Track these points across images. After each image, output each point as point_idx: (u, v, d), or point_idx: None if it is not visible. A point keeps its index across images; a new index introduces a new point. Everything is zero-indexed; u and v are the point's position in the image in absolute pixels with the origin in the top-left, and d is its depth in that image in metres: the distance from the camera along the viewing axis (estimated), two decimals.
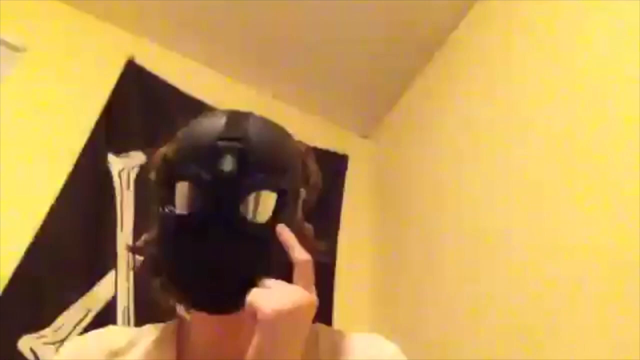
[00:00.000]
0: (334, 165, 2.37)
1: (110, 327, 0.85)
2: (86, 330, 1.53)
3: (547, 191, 1.51)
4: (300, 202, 0.77)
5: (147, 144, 1.85)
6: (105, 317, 1.63)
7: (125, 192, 1.84)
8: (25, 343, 1.53)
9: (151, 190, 0.79)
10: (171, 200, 0.73)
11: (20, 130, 1.87)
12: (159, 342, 0.80)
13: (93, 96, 1.99)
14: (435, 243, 1.99)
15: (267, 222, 0.72)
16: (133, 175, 1.87)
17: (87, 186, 1.81)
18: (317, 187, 0.82)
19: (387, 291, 2.24)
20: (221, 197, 0.70)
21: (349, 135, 2.65)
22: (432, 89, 2.30)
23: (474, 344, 1.63)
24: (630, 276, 1.18)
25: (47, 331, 1.57)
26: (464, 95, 2.05)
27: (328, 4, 2.16)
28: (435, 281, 1.92)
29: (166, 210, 0.72)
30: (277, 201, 0.73)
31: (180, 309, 0.82)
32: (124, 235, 1.76)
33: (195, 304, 0.74)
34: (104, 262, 1.72)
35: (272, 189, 0.73)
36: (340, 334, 0.82)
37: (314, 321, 0.70)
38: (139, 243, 0.82)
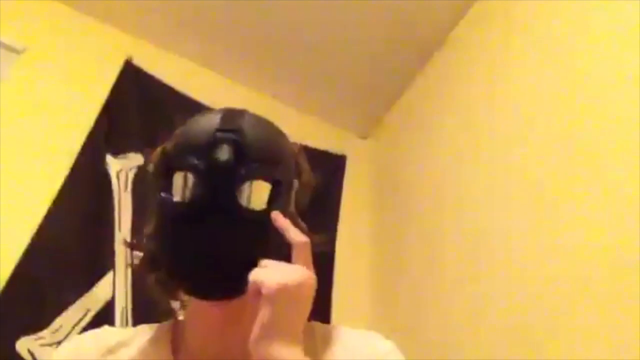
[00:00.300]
0: (332, 166, 2.36)
1: (106, 327, 0.86)
2: (84, 331, 1.53)
3: (547, 191, 1.51)
4: (293, 194, 0.78)
5: (145, 145, 1.84)
6: (103, 318, 1.62)
7: (123, 193, 1.83)
8: (23, 344, 1.53)
9: (149, 184, 0.80)
10: (169, 190, 0.75)
11: (18, 130, 1.87)
12: (154, 341, 0.81)
13: (91, 97, 1.98)
14: (435, 243, 1.99)
15: (263, 210, 0.74)
16: (131, 177, 1.86)
17: (85, 187, 1.80)
18: (310, 186, 0.84)
19: (387, 291, 2.23)
20: (218, 185, 0.72)
21: (348, 136, 2.65)
22: (431, 89, 2.30)
23: (474, 344, 1.63)
24: (630, 276, 1.18)
25: (45, 332, 1.56)
26: (464, 95, 2.04)
27: (327, 4, 2.16)
28: (435, 281, 1.92)
29: (163, 195, 0.74)
30: (272, 191, 0.75)
31: (177, 307, 0.83)
32: (122, 236, 1.76)
33: (197, 292, 0.75)
34: (102, 263, 1.72)
35: (267, 179, 0.75)
36: (336, 329, 0.83)
37: (309, 319, 0.71)
38: (137, 238, 0.84)
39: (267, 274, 0.67)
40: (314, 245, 0.73)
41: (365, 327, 0.86)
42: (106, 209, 1.79)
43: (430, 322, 1.88)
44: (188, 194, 0.74)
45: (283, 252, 0.70)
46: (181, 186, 0.75)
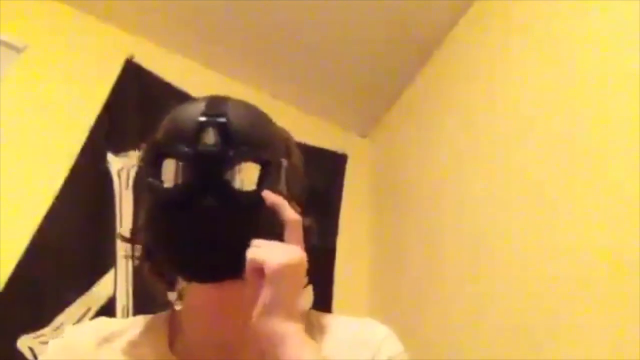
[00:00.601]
0: (333, 165, 2.37)
1: (103, 318, 0.88)
2: None
3: (547, 191, 1.51)
4: (283, 174, 0.78)
5: None
6: (104, 315, 1.62)
7: (124, 191, 1.84)
8: (24, 342, 1.53)
9: (140, 177, 0.81)
10: (159, 178, 0.76)
11: (19, 129, 1.87)
12: (150, 331, 0.82)
13: (92, 96, 1.99)
14: (435, 243, 1.99)
15: (253, 191, 0.74)
16: (132, 175, 1.86)
17: (86, 185, 1.81)
18: (300, 172, 0.84)
19: (387, 291, 2.24)
20: (207, 169, 0.72)
21: (348, 135, 2.65)
22: (431, 88, 2.30)
23: (474, 344, 1.63)
24: (630, 276, 1.18)
25: (46, 330, 1.57)
26: (463, 94, 2.05)
27: (327, 4, 2.16)
28: (435, 281, 1.92)
29: (152, 182, 0.75)
30: (261, 171, 0.75)
31: (174, 299, 0.83)
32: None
33: (194, 275, 0.75)
34: (103, 261, 1.72)
35: (256, 160, 0.75)
36: (332, 317, 0.85)
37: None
38: (132, 231, 0.84)
39: (267, 253, 0.68)
40: (310, 233, 0.75)
41: None
42: (107, 207, 1.80)
43: (430, 322, 1.88)
44: (178, 179, 0.75)
45: (275, 231, 0.71)
46: (171, 173, 0.75)
